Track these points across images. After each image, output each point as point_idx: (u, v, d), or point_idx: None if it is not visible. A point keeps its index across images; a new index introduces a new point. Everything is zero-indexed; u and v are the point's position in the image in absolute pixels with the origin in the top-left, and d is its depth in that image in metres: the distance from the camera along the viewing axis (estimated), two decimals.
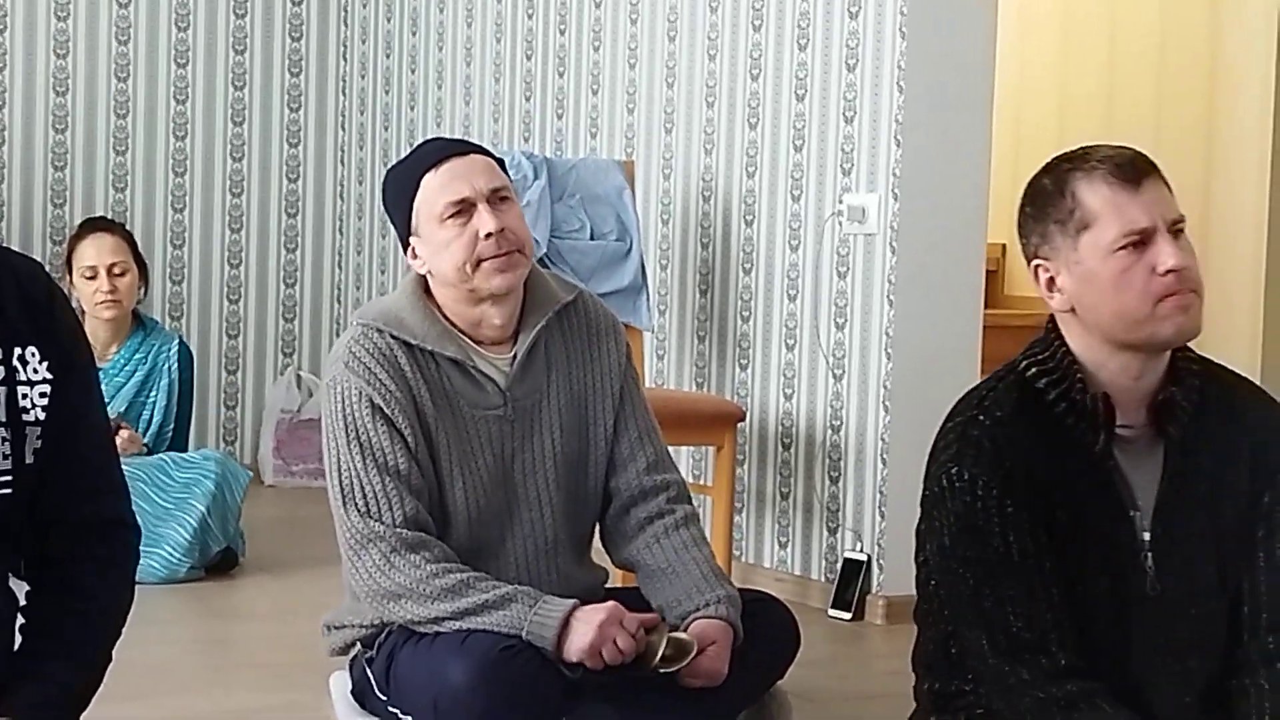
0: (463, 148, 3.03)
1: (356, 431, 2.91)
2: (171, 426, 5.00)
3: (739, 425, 4.60)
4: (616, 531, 3.14)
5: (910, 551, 4.42)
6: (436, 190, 2.96)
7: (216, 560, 4.69)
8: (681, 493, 3.16)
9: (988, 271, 5.80)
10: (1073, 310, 2.34)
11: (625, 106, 5.38)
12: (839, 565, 4.57)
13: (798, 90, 4.76)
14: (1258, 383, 5.42)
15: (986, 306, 4.77)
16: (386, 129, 6.55)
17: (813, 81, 4.71)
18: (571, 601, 2.87)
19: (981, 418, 2.35)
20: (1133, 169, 2.31)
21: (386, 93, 6.56)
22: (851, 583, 4.50)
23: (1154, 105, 5.80)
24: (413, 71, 6.40)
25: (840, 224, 4.62)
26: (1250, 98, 5.48)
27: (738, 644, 3.00)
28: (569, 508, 3.07)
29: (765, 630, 3.10)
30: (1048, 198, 2.35)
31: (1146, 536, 2.35)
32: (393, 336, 2.96)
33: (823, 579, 4.65)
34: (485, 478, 2.99)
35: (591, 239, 4.80)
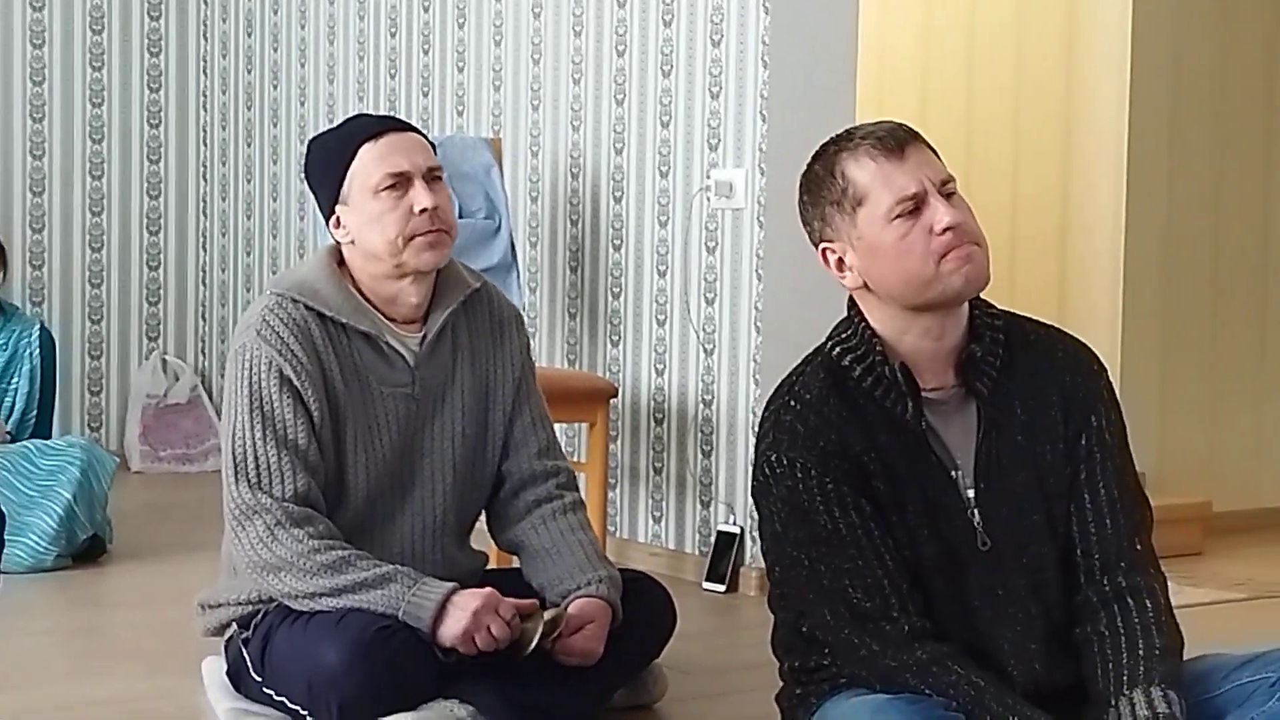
0: (399, 124, 3.04)
1: (261, 401, 2.89)
2: (35, 413, 4.92)
3: (611, 401, 4.61)
4: (505, 513, 3.16)
5: None
6: (375, 161, 2.95)
7: (84, 548, 4.61)
8: (570, 479, 3.19)
9: None
10: (865, 286, 2.40)
11: (491, 84, 5.36)
12: (712, 538, 4.60)
13: (664, 66, 4.78)
14: (1117, 363, 5.58)
15: None
16: (249, 108, 6.47)
17: (678, 57, 4.73)
18: (450, 585, 2.88)
19: (793, 403, 2.41)
20: (894, 139, 2.38)
21: (249, 72, 6.48)
22: (725, 555, 4.53)
23: (1013, 87, 5.88)
24: (275, 50, 6.33)
25: (708, 199, 4.64)
26: (1107, 85, 5.58)
27: (616, 624, 3.02)
28: (462, 490, 3.08)
29: (642, 610, 3.14)
30: (820, 182, 2.42)
31: (970, 494, 2.40)
32: (307, 307, 2.95)
33: (696, 552, 4.68)
34: (386, 455, 2.99)
35: (460, 217, 4.78)
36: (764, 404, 2.49)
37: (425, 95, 5.63)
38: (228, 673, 3.07)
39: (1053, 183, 5.77)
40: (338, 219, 3.00)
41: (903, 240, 2.35)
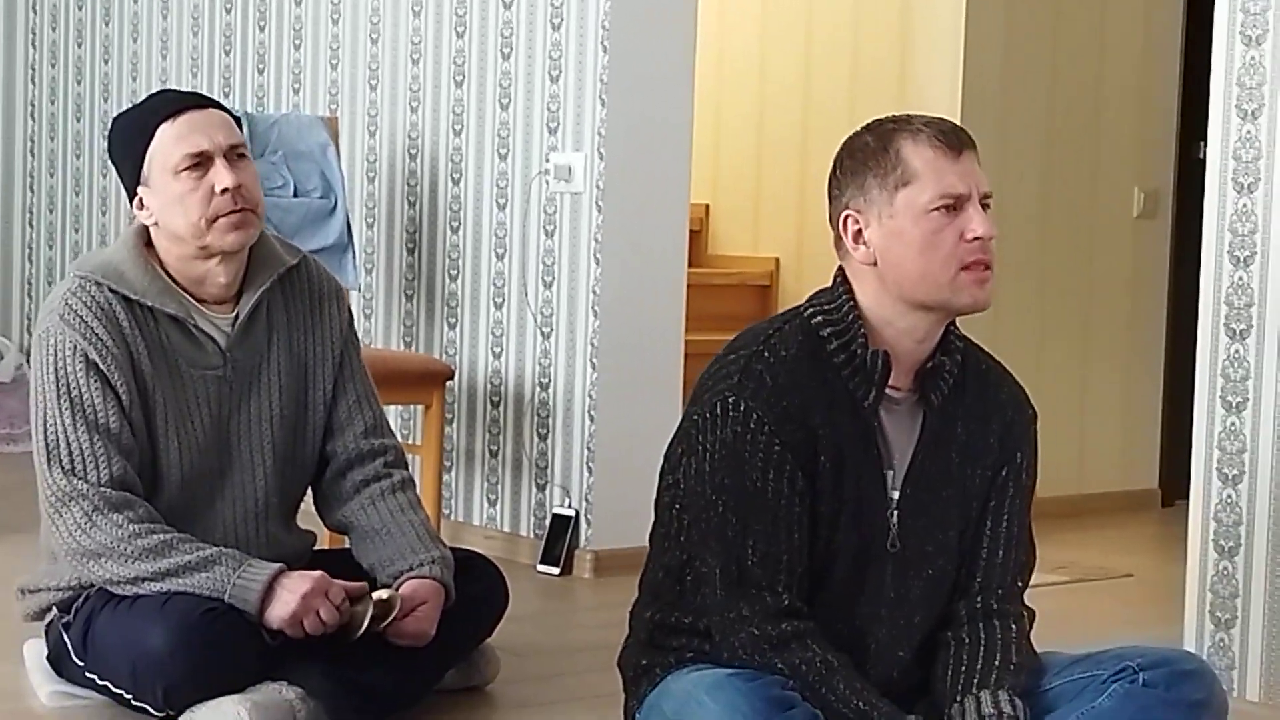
0: (201, 101, 2.97)
1: (68, 387, 2.83)
2: None
3: (448, 384, 4.59)
4: (332, 494, 3.12)
5: (618, 507, 4.47)
6: (173, 141, 2.89)
7: None
8: (399, 457, 3.16)
9: (691, 231, 5.90)
10: (874, 264, 2.40)
11: (329, 62, 5.30)
12: (548, 521, 4.60)
13: (503, 49, 4.76)
14: None
15: (690, 266, 4.84)
16: (79, 83, 6.33)
17: (518, 40, 4.71)
18: (277, 566, 2.84)
19: (767, 354, 2.40)
20: (956, 138, 2.39)
21: (79, 46, 6.34)
22: (560, 538, 4.53)
23: (849, 75, 5.96)
24: (106, 24, 6.20)
25: (547, 183, 4.64)
26: (940, 63, 5.67)
27: (449, 604, 3.01)
28: (283, 471, 3.04)
29: (475, 589, 3.12)
30: (870, 152, 2.41)
31: (895, 495, 2.43)
32: (111, 290, 2.88)
33: (531, 535, 4.68)
34: (200, 438, 2.94)
35: (295, 196, 4.73)
36: (726, 346, 2.45)
37: (261, 72, 5.56)
38: (48, 657, 3.01)
39: None
40: (140, 200, 2.94)
41: (934, 235, 2.35)
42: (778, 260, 6.11)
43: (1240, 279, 3.22)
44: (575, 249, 4.58)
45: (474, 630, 3.19)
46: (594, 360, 4.53)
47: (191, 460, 2.93)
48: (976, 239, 2.35)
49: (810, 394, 2.37)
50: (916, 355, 2.43)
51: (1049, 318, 5.86)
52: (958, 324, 2.49)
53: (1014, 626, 2.47)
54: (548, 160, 4.64)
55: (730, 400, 2.36)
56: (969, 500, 2.47)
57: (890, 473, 2.42)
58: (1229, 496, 3.25)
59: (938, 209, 2.35)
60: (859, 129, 2.44)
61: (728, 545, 2.36)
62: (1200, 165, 3.51)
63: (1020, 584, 2.52)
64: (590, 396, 4.53)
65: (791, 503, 2.35)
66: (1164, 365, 6.06)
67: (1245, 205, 3.21)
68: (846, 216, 2.41)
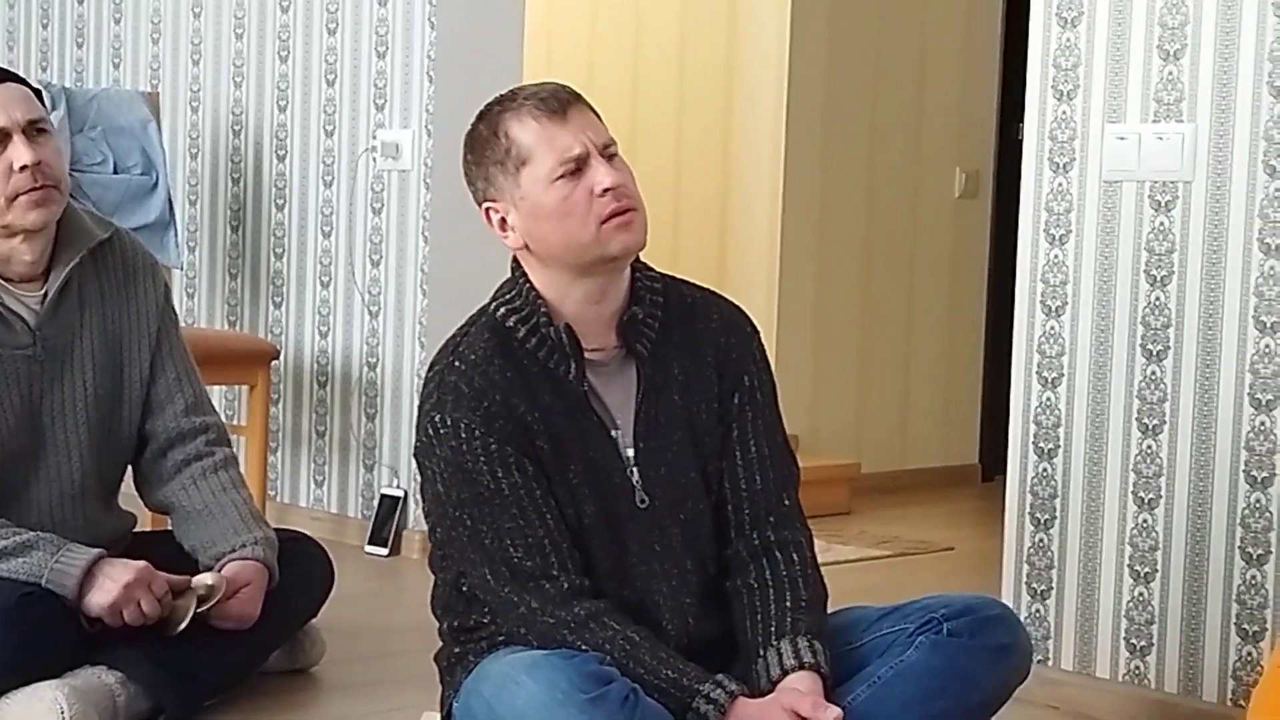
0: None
1: None
2: None
3: (273, 363, 4.54)
4: (153, 474, 3.07)
5: None
6: None
7: None
8: (221, 435, 3.11)
9: None
10: (527, 247, 2.42)
11: (150, 36, 5.20)
12: (375, 502, 4.57)
13: (329, 24, 4.71)
14: (773, 331, 5.72)
15: None
16: None
17: (344, 15, 4.67)
18: (96, 552, 2.80)
19: (457, 363, 2.41)
20: (557, 100, 2.40)
21: None
22: (388, 519, 4.51)
23: (677, 50, 5.98)
24: None
25: (374, 160, 4.60)
26: (766, 46, 5.72)
27: (273, 585, 2.98)
28: (100, 451, 2.99)
29: (299, 570, 3.10)
30: (484, 142, 2.42)
31: (630, 453, 2.44)
32: None
33: (359, 516, 4.65)
34: (11, 419, 2.88)
35: (115, 173, 4.63)
36: (428, 365, 2.48)
37: (80, 46, 5.43)
38: None
39: (714, 151, 5.90)
40: None
41: (565, 201, 2.36)
42: None
43: (1056, 257, 3.30)
44: (403, 227, 4.55)
45: (298, 612, 3.17)
46: (422, 339, 4.50)
47: (2, 442, 2.87)
48: (607, 190, 2.37)
49: (509, 387, 2.39)
50: (605, 314, 2.45)
51: (873, 297, 5.95)
52: (651, 268, 2.50)
53: (796, 557, 2.47)
54: (375, 137, 4.60)
55: (437, 418, 2.38)
56: (703, 438, 2.49)
57: (618, 432, 2.44)
58: (1044, 470, 3.33)
59: (561, 176, 2.37)
60: (474, 119, 2.46)
61: (488, 552, 2.38)
62: (1019, 146, 3.59)
63: (789, 501, 2.52)
64: (418, 376, 4.51)
65: (530, 491, 2.37)
66: (984, 343, 6.19)
67: (1061, 185, 3.28)
68: (488, 209, 2.44)
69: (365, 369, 4.65)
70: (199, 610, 2.83)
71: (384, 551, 4.48)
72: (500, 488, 2.37)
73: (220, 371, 4.21)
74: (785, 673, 2.36)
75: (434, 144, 4.46)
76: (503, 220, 2.43)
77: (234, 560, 2.93)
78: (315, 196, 4.77)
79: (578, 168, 2.37)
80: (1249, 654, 3.06)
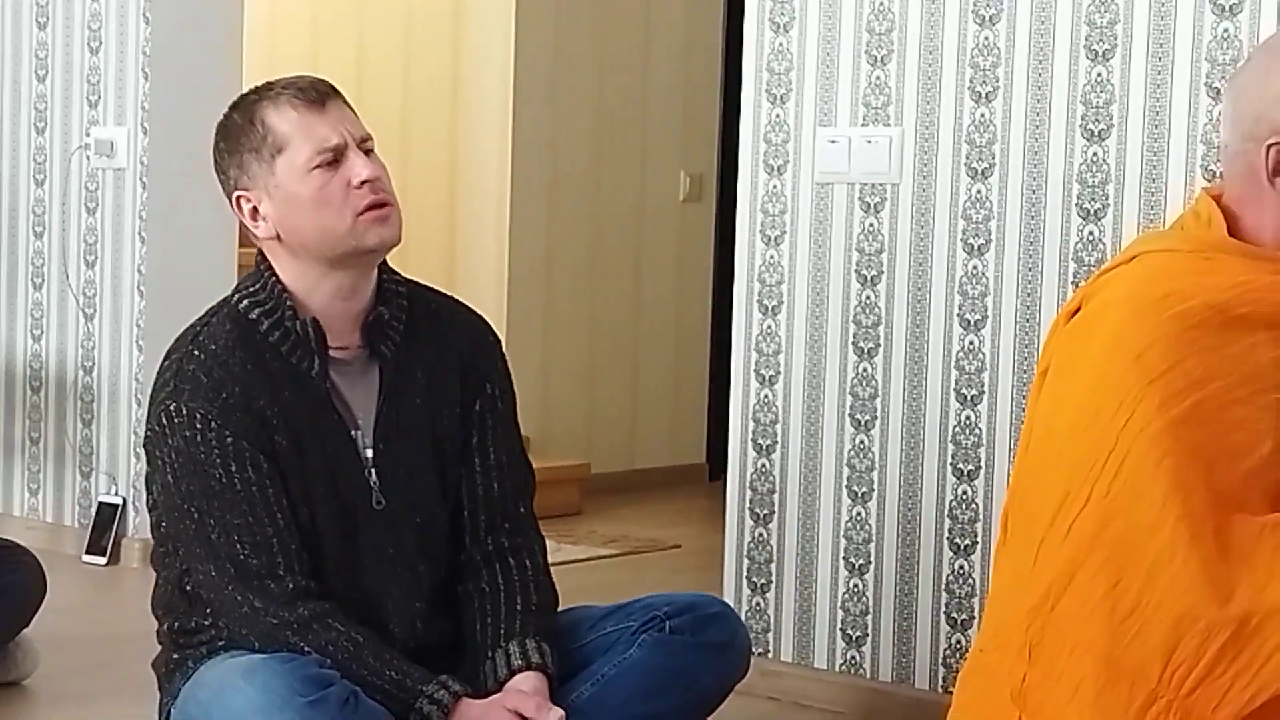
0: None
1: None
2: None
3: None
4: None
5: None
6: None
7: None
8: None
9: None
10: (279, 237, 2.40)
11: None
12: (93, 510, 4.46)
13: (39, 18, 4.57)
14: (503, 332, 5.72)
15: (242, 244, 4.76)
16: None
17: (56, 9, 4.54)
18: None
19: (197, 353, 2.38)
20: (316, 91, 2.40)
21: None
22: (106, 527, 4.40)
23: (402, 56, 5.96)
24: None
25: (88, 158, 4.48)
26: (493, 49, 5.73)
27: None
28: None
29: (8, 580, 3.02)
30: (238, 129, 2.41)
31: (369, 454, 2.44)
32: None
33: (76, 524, 4.53)
34: None
35: None
36: (165, 353, 2.42)
37: None
38: None
39: (442, 154, 5.88)
40: None
41: (321, 191, 2.35)
42: None
43: (771, 257, 3.37)
44: (119, 227, 4.44)
45: (9, 623, 3.08)
46: (140, 342, 4.40)
47: None
48: (364, 183, 2.38)
49: (250, 380, 2.37)
50: (353, 312, 2.45)
51: (601, 300, 6.00)
52: (397, 271, 2.52)
53: (528, 563, 2.50)
54: (88, 135, 4.48)
55: (172, 407, 2.35)
56: (442, 443, 2.50)
57: (358, 433, 2.44)
58: (763, 466, 3.40)
59: (318, 166, 2.37)
60: (228, 107, 2.45)
61: (215, 548, 2.35)
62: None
63: (524, 509, 2.55)
64: (136, 380, 4.40)
65: (264, 488, 2.35)
66: (710, 344, 6.29)
67: (776, 187, 3.36)
68: (239, 198, 2.43)
69: (81, 373, 4.52)
70: None
71: (102, 561, 4.37)
72: (232, 482, 2.33)
73: None
74: (512, 673, 2.38)
75: (150, 142, 4.37)
76: (254, 209, 2.40)
77: None
78: (26, 195, 4.62)
79: (335, 158, 2.37)
80: (958, 641, 3.17)
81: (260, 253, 2.44)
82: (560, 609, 2.56)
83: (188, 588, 2.42)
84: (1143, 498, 1.95)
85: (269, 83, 2.43)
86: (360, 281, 2.43)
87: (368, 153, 2.40)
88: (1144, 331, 2.01)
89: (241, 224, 2.43)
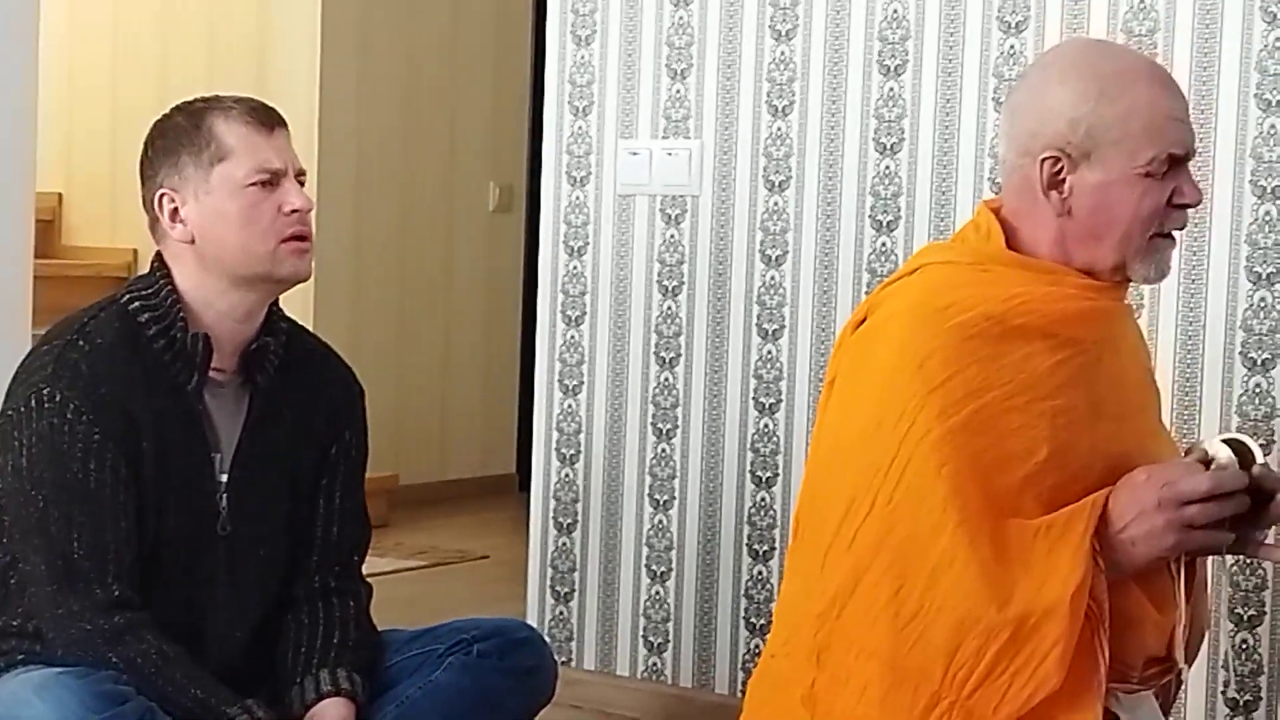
0: None
1: None
2: None
3: None
4: None
5: None
6: None
7: None
8: None
9: (44, 221, 5.68)
10: (193, 242, 2.40)
11: None
12: None
13: None
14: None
15: (40, 257, 4.66)
16: None
17: None
18: None
19: (82, 343, 2.36)
20: (268, 115, 2.44)
21: None
22: None
23: (207, 68, 5.88)
24: None
25: None
26: (298, 84, 5.69)
27: None
28: None
29: None
30: (181, 131, 2.42)
31: (224, 479, 2.43)
32: None
33: None
34: None
35: None
36: (42, 337, 2.39)
37: None
38: None
39: None
40: None
41: (253, 209, 2.37)
42: (136, 251, 5.96)
43: (575, 268, 3.40)
44: None
45: None
46: None
47: None
48: (295, 211, 2.41)
49: (129, 381, 2.36)
50: (240, 336, 2.45)
51: (410, 311, 5.98)
52: (280, 309, 2.53)
53: (352, 604, 2.52)
54: None
55: (45, 392, 2.33)
56: (299, 481, 2.51)
57: (218, 456, 2.43)
58: (567, 475, 3.42)
59: (255, 184, 2.39)
60: (169, 110, 2.47)
61: (52, 540, 2.32)
62: None
63: (356, 558, 2.57)
64: None
65: (116, 492, 2.33)
66: (520, 355, 6.30)
67: (579, 198, 3.38)
68: (162, 195, 2.42)
69: None
70: None
71: None
72: (88, 479, 2.31)
73: None
74: (321, 698, 2.38)
75: None
76: (175, 210, 2.40)
77: None
78: None
79: (272, 181, 2.39)
80: (756, 646, 3.21)
81: (158, 258, 2.43)
82: None
83: (12, 580, 2.38)
84: (924, 504, 1.99)
85: (219, 96, 2.46)
86: (257, 307, 2.44)
87: (300, 185, 2.43)
88: (926, 341, 2.06)
89: (152, 223, 2.42)
